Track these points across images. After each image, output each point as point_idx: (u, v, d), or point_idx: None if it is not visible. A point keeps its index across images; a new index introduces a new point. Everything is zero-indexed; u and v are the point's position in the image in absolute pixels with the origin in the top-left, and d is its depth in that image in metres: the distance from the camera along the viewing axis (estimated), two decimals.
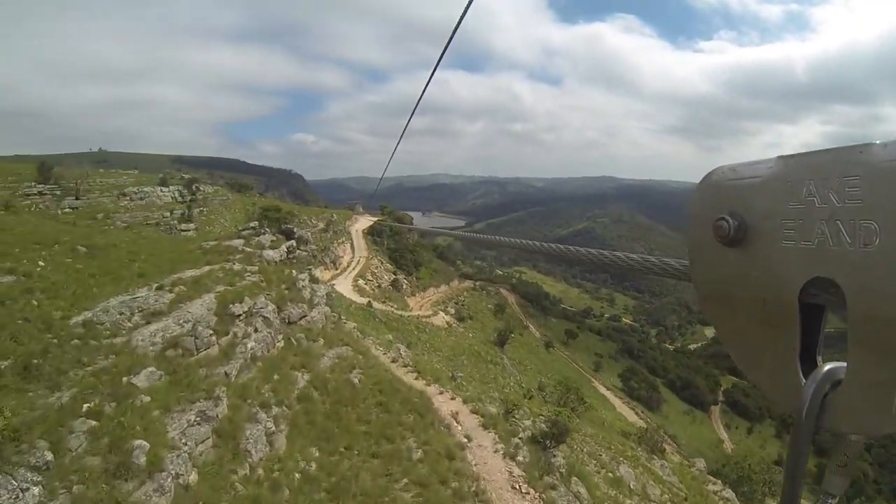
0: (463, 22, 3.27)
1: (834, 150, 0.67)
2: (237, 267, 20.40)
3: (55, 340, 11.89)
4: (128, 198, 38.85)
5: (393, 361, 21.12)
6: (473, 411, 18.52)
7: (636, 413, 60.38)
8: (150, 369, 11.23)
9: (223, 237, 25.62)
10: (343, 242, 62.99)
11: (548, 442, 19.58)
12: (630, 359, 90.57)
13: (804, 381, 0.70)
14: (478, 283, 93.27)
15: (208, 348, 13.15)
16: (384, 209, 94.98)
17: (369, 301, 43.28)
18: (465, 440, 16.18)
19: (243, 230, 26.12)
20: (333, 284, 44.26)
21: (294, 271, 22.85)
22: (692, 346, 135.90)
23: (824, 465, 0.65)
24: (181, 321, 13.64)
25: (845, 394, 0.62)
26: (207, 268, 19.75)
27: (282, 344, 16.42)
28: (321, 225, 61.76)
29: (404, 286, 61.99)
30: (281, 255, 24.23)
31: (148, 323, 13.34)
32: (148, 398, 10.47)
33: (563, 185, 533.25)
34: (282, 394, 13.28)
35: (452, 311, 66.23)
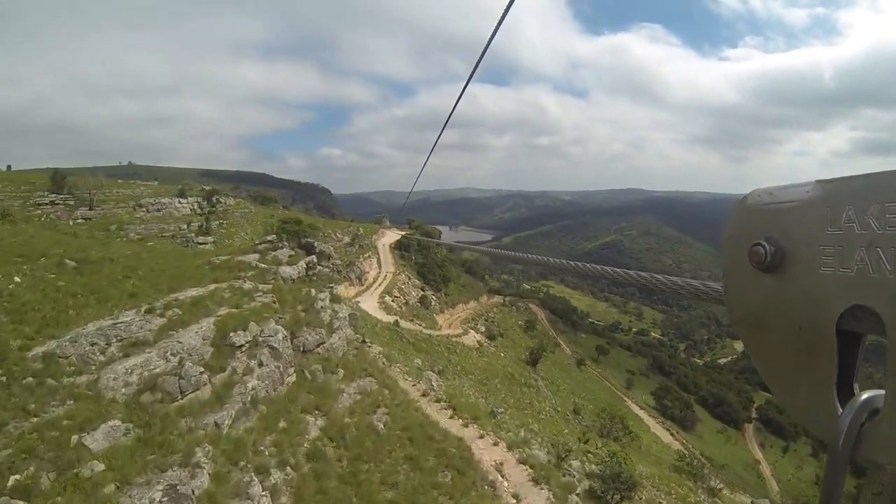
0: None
1: (874, 175, 0.65)
2: (247, 286, 17.90)
3: (2, 378, 9.39)
4: (144, 209, 37.50)
5: (423, 395, 18.16)
6: (521, 460, 15.39)
7: (671, 433, 57.17)
8: (112, 423, 8.57)
9: (237, 251, 23.33)
10: (369, 257, 60.60)
11: (610, 496, 16.30)
12: (661, 375, 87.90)
13: (841, 409, 0.67)
14: (507, 299, 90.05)
15: (197, 390, 10.47)
16: (412, 223, 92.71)
17: (396, 320, 40.51)
18: (514, 502, 13.08)
19: (260, 244, 23.78)
20: (358, 302, 41.74)
21: (313, 290, 20.27)
22: (722, 361, 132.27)
23: (861, 486, 0.62)
24: (167, 353, 11.04)
25: (884, 423, 0.60)
26: (213, 286, 17.31)
27: (293, 378, 13.68)
28: (346, 239, 59.64)
29: (433, 303, 59.09)
30: (299, 272, 21.71)
31: (126, 356, 10.76)
32: (102, 466, 7.77)
33: (590, 198, 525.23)
34: (287, 450, 10.47)
35: (483, 328, 63.01)
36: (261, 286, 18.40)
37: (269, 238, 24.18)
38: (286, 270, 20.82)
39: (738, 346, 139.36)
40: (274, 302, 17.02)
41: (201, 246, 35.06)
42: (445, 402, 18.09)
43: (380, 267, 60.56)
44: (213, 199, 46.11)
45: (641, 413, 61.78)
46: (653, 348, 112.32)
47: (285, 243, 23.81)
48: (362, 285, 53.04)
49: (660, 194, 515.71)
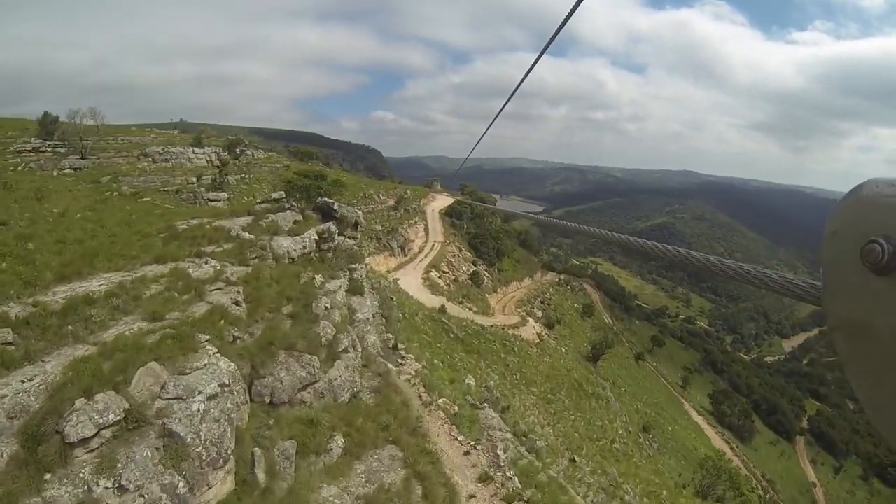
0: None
1: None
2: (206, 269, 11.02)
3: None
4: (150, 158, 31.66)
5: (482, 481, 10.66)
6: None
7: (730, 446, 53.25)
8: None
9: (221, 214, 16.53)
10: (415, 223, 53.44)
11: None
12: (713, 372, 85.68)
13: None
14: (562, 278, 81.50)
15: None
16: (464, 188, 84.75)
17: (443, 305, 33.40)
18: None
19: (262, 202, 16.89)
20: (397, 279, 34.84)
21: (319, 276, 13.26)
22: (768, 359, 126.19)
23: None
24: None
25: None
26: (146, 269, 10.52)
27: (230, 485, 6.65)
28: (391, 202, 52.68)
29: (485, 280, 51.69)
30: (305, 247, 14.68)
31: None
32: None
33: (643, 177, 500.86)
34: None
35: (539, 312, 55.41)
36: (231, 269, 11.50)
37: (275, 196, 17.26)
38: (282, 243, 13.81)
39: (787, 345, 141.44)
40: (239, 303, 10.05)
41: (212, 203, 28.92)
42: (521, 480, 10.71)
43: (427, 235, 53.46)
44: (237, 149, 39.83)
45: (700, 420, 58.78)
46: (700, 339, 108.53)
47: (293, 203, 16.80)
48: (405, 256, 46.25)
49: (713, 179, 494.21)
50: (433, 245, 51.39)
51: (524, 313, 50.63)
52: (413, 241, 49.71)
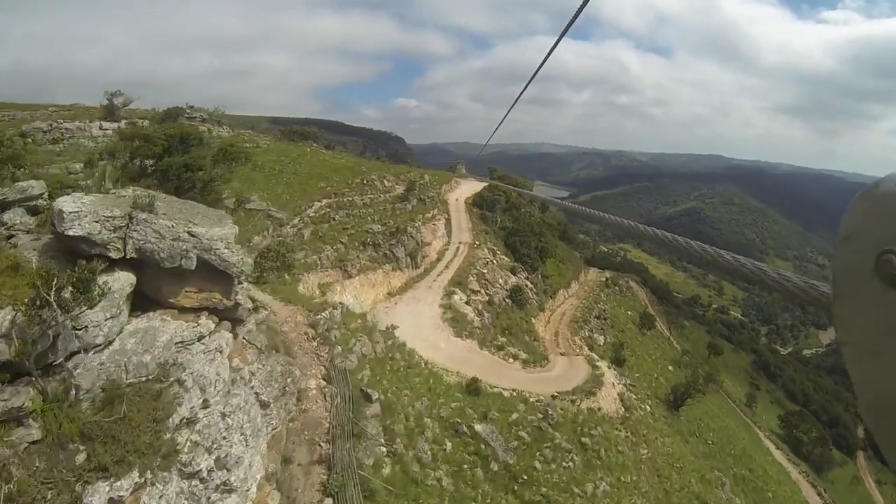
0: None
1: None
2: None
3: None
4: (28, 139, 20.74)
5: None
6: None
7: (807, 480, 45.71)
8: None
9: None
10: (433, 219, 39.33)
11: None
12: (767, 377, 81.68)
13: None
14: (609, 277, 69.25)
15: None
16: (494, 172, 70.06)
17: (474, 381, 19.24)
18: None
19: None
20: (395, 327, 20.88)
21: None
22: (806, 353, 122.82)
23: None
24: None
25: None
26: None
27: None
28: (399, 189, 38.64)
29: (529, 296, 37.37)
30: None
31: None
32: None
33: (668, 161, 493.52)
34: None
35: (600, 338, 41.25)
36: None
37: None
38: None
39: (824, 336, 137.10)
40: None
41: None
42: None
43: (448, 235, 39.37)
44: (177, 119, 26.77)
45: (778, 454, 49.85)
46: (734, 330, 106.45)
47: None
48: (417, 268, 32.29)
49: (741, 163, 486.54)
50: (457, 249, 37.32)
51: (584, 343, 36.42)
52: (429, 243, 35.66)
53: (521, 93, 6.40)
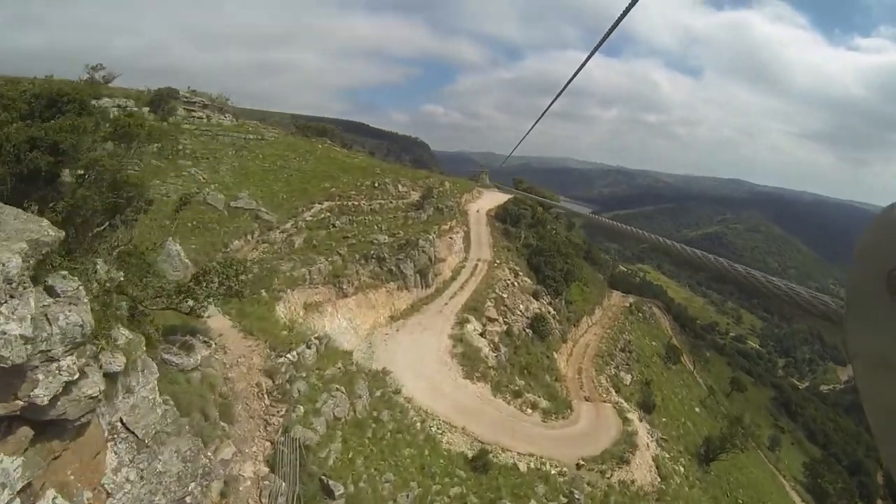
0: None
1: None
2: None
3: None
4: None
5: None
6: None
7: None
8: None
9: None
10: (450, 231, 35.32)
11: None
12: (787, 415, 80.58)
13: None
14: (632, 302, 65.02)
15: None
16: (519, 184, 65.89)
17: (483, 453, 15.12)
18: None
19: None
20: (395, 330, 16.93)
21: None
22: (823, 388, 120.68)
23: None
24: None
25: None
26: None
27: None
28: (415, 196, 34.79)
29: (552, 324, 33.05)
30: None
31: None
32: None
33: (693, 184, 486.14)
34: None
35: (626, 376, 36.73)
36: None
37: None
38: None
39: (843, 373, 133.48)
40: None
41: None
42: None
43: (467, 251, 35.29)
44: (165, 107, 23.51)
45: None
46: (751, 360, 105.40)
47: None
48: (428, 287, 28.26)
49: (766, 189, 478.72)
50: (475, 266, 33.24)
51: (610, 384, 31.97)
52: (444, 259, 31.64)
53: (550, 105, 6.82)
